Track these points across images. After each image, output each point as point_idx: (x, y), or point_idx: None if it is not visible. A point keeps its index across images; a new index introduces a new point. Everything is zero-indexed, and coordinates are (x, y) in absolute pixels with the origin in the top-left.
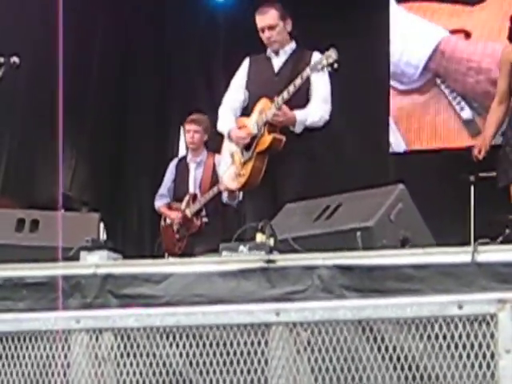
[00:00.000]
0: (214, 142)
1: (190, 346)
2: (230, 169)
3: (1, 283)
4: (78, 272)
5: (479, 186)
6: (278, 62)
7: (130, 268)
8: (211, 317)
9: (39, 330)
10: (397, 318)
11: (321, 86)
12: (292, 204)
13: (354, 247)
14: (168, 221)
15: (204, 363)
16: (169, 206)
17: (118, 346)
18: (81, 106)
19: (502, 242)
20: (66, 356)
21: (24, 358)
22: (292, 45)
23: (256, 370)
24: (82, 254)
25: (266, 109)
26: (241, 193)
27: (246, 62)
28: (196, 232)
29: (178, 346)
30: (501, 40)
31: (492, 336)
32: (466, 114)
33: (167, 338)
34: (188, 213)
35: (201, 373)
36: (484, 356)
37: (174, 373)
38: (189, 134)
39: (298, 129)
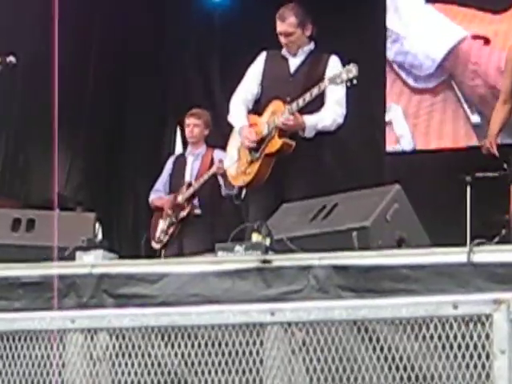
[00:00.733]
0: (213, 137)
1: (185, 345)
2: (236, 164)
3: None
4: (73, 272)
5: (475, 187)
6: (294, 63)
7: (126, 268)
8: (206, 317)
9: (34, 329)
10: (392, 318)
11: (335, 89)
12: (288, 204)
13: (349, 247)
14: (156, 213)
15: (199, 363)
16: (161, 198)
17: (113, 346)
18: (76, 105)
19: (498, 243)
20: (60, 356)
21: (19, 357)
22: (310, 46)
23: (251, 370)
24: (78, 253)
25: (278, 111)
26: (243, 190)
27: (262, 56)
28: (186, 218)
29: (173, 345)
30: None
31: (487, 336)
32: (475, 118)
33: (162, 338)
34: (180, 198)
35: (196, 373)
36: (479, 356)
37: (169, 373)
38: (188, 128)
39: (308, 134)
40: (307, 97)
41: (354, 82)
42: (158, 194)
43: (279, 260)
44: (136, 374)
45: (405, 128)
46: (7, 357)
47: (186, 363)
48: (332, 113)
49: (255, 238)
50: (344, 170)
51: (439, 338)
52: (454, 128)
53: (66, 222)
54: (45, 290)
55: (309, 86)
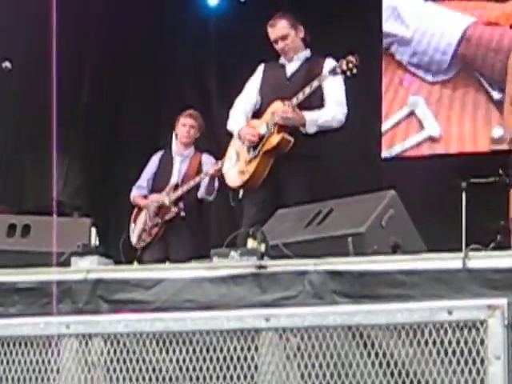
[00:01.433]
0: (206, 141)
1: (180, 351)
2: (235, 167)
3: None
4: (68, 277)
5: (471, 192)
6: (290, 68)
7: (121, 273)
8: (201, 322)
9: (29, 335)
10: (387, 324)
11: (335, 89)
12: (283, 209)
13: (345, 253)
14: (137, 211)
15: (194, 369)
16: (145, 197)
17: (108, 352)
18: (73, 110)
19: (493, 249)
20: (55, 361)
21: (14, 363)
22: (306, 52)
23: (246, 376)
24: (73, 259)
25: (277, 110)
26: (240, 191)
27: (260, 68)
28: (172, 219)
29: (167, 351)
30: None
31: (482, 342)
32: (496, 94)
33: (157, 343)
34: (166, 200)
35: (191, 378)
36: (474, 362)
37: (163, 378)
38: (185, 128)
39: (310, 129)
40: (307, 89)
41: (354, 71)
42: (141, 191)
43: (274, 266)
44: (131, 379)
45: (428, 113)
46: (2, 362)
47: (180, 369)
48: (333, 109)
49: (250, 243)
50: (340, 174)
51: (434, 343)
52: (474, 115)
53: (61, 227)
54: (40, 295)
55: (306, 87)
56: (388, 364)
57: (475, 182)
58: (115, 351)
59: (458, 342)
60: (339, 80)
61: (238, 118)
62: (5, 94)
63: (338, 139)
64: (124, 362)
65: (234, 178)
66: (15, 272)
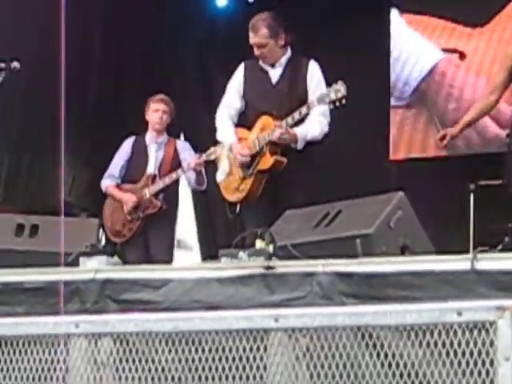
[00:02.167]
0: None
1: (189, 351)
2: (228, 179)
3: (0, 288)
4: (77, 277)
5: (479, 194)
6: (274, 74)
7: (129, 273)
8: (210, 322)
9: (38, 334)
10: (396, 325)
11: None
12: (292, 210)
13: (353, 254)
14: (112, 204)
15: (203, 369)
16: (119, 187)
17: (117, 351)
18: (81, 111)
19: (501, 250)
20: (64, 361)
21: (22, 362)
22: (287, 54)
23: (255, 376)
24: (82, 259)
25: (267, 127)
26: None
27: (240, 68)
28: (154, 213)
29: (176, 351)
30: (490, 71)
31: (491, 343)
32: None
33: (166, 343)
34: (146, 193)
35: (199, 378)
36: (483, 363)
37: (172, 378)
38: (157, 114)
39: (299, 146)
40: (296, 115)
41: (343, 101)
42: (114, 181)
43: (283, 266)
44: (140, 379)
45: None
46: (11, 361)
47: (189, 369)
48: (318, 123)
49: (259, 244)
50: (347, 177)
51: (443, 344)
52: (423, 138)
53: (69, 227)
54: (48, 295)
55: (292, 95)
56: (397, 365)
57: (483, 184)
58: (124, 351)
59: (467, 344)
60: (323, 88)
61: (225, 127)
62: (14, 96)
63: (346, 141)
64: (133, 361)
65: (229, 193)
66: (23, 272)
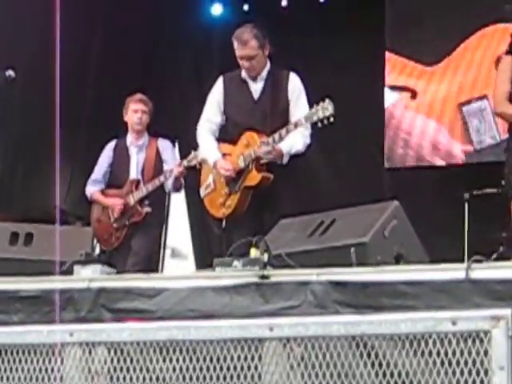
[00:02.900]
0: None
1: (184, 360)
2: (212, 196)
3: None
4: (71, 286)
5: (474, 204)
6: (256, 89)
7: (124, 282)
8: (204, 331)
9: (32, 343)
10: (391, 334)
11: (300, 110)
12: (286, 219)
13: (348, 263)
14: (99, 210)
15: (197, 378)
16: (104, 193)
17: (112, 360)
18: (76, 119)
19: (495, 260)
20: (58, 369)
21: (17, 371)
22: (267, 66)
23: None
24: (76, 267)
25: (252, 143)
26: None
27: (219, 81)
28: (138, 221)
29: (171, 360)
30: (436, 115)
31: (486, 353)
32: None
33: (160, 352)
34: (131, 200)
35: None
36: (478, 372)
37: None
38: (137, 114)
39: (285, 160)
40: (283, 132)
41: (331, 120)
42: (98, 187)
43: (277, 275)
44: None
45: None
46: (5, 370)
47: (184, 378)
48: (301, 136)
49: (253, 253)
50: (342, 186)
51: (438, 353)
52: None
53: (64, 236)
54: (43, 303)
55: (275, 109)
56: (392, 374)
57: (478, 194)
58: (119, 359)
59: (461, 353)
60: (304, 100)
61: (208, 143)
62: (9, 103)
63: (339, 149)
64: (127, 370)
65: (214, 210)
66: (18, 280)
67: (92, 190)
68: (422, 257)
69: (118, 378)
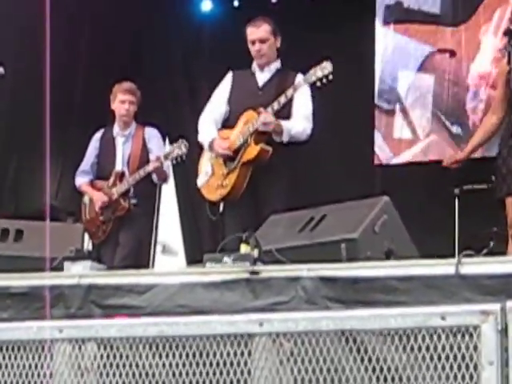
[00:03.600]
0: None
1: (173, 356)
2: (210, 181)
3: None
4: (61, 282)
5: (464, 199)
6: (262, 78)
7: (114, 278)
8: (194, 327)
9: (21, 339)
10: (380, 329)
11: (303, 103)
12: (276, 215)
13: (338, 259)
14: (88, 201)
15: (187, 373)
16: (92, 184)
17: (101, 356)
18: (66, 115)
19: (486, 255)
20: (48, 366)
21: (6, 367)
22: (277, 63)
23: (239, 381)
24: (66, 264)
25: (251, 119)
26: (221, 204)
27: (228, 76)
28: (123, 215)
29: (160, 356)
30: (482, 58)
31: (475, 347)
32: (455, 129)
33: (150, 348)
34: (114, 193)
35: (184, 383)
36: (467, 367)
37: (156, 383)
38: (124, 105)
39: (284, 138)
40: (282, 99)
41: (330, 77)
42: (87, 178)
43: (267, 271)
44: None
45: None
46: None
47: (173, 374)
48: (301, 123)
49: (243, 249)
50: (332, 182)
51: (427, 348)
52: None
53: (54, 232)
54: (33, 300)
55: (277, 98)
56: (381, 369)
57: (468, 189)
58: (108, 356)
59: (451, 348)
60: (308, 95)
61: (207, 128)
62: None
63: (330, 145)
64: (117, 366)
65: (212, 193)
66: (8, 277)
67: (81, 181)
68: (412, 252)
69: (107, 374)
